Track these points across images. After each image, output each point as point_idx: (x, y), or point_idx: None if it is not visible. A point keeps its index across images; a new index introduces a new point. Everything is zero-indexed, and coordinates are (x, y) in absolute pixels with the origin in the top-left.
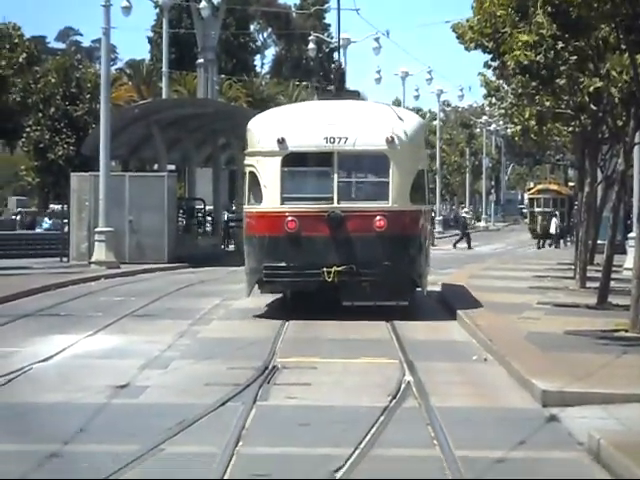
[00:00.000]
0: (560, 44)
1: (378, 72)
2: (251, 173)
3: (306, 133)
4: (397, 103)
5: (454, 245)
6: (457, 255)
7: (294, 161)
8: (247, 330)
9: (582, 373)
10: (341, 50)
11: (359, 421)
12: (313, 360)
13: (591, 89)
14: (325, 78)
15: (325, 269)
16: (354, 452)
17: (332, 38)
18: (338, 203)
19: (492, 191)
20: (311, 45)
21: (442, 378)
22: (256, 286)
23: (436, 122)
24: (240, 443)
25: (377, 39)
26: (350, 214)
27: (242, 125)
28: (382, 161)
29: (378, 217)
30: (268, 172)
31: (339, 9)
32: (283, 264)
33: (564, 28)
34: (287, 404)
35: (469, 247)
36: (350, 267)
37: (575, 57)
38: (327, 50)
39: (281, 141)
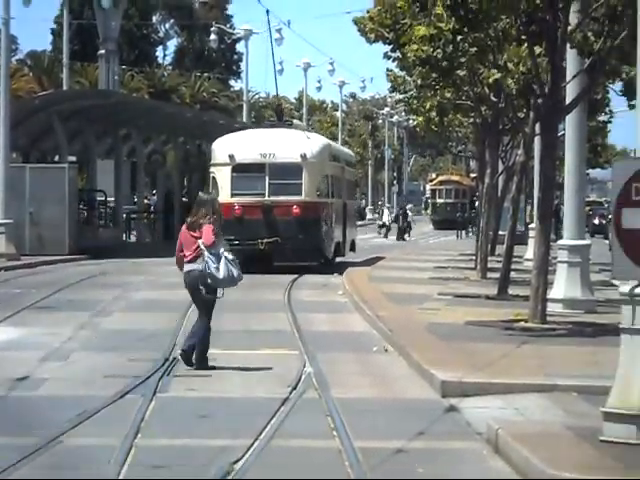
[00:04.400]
0: (459, 37)
1: (280, 64)
2: (213, 178)
3: (248, 150)
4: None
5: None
6: (361, 246)
7: (240, 169)
8: (148, 322)
9: (482, 363)
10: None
11: (259, 412)
12: (213, 352)
13: (490, 80)
14: (227, 69)
15: (260, 240)
16: (253, 443)
17: (234, 29)
18: (269, 197)
19: (394, 182)
20: (213, 36)
21: (342, 369)
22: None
23: (338, 113)
24: (139, 435)
25: (279, 30)
26: (276, 204)
27: (143, 116)
28: (297, 169)
29: (295, 206)
30: (223, 176)
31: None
32: (232, 237)
33: (463, 21)
34: (187, 396)
35: None
36: (276, 239)
37: (475, 49)
38: (229, 41)
39: (231, 156)
